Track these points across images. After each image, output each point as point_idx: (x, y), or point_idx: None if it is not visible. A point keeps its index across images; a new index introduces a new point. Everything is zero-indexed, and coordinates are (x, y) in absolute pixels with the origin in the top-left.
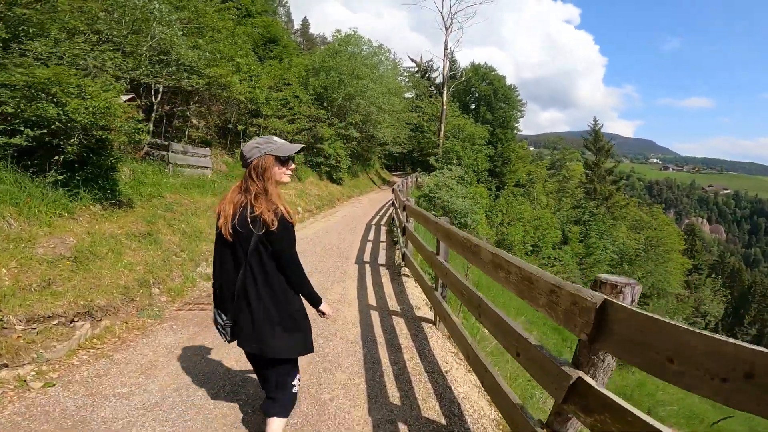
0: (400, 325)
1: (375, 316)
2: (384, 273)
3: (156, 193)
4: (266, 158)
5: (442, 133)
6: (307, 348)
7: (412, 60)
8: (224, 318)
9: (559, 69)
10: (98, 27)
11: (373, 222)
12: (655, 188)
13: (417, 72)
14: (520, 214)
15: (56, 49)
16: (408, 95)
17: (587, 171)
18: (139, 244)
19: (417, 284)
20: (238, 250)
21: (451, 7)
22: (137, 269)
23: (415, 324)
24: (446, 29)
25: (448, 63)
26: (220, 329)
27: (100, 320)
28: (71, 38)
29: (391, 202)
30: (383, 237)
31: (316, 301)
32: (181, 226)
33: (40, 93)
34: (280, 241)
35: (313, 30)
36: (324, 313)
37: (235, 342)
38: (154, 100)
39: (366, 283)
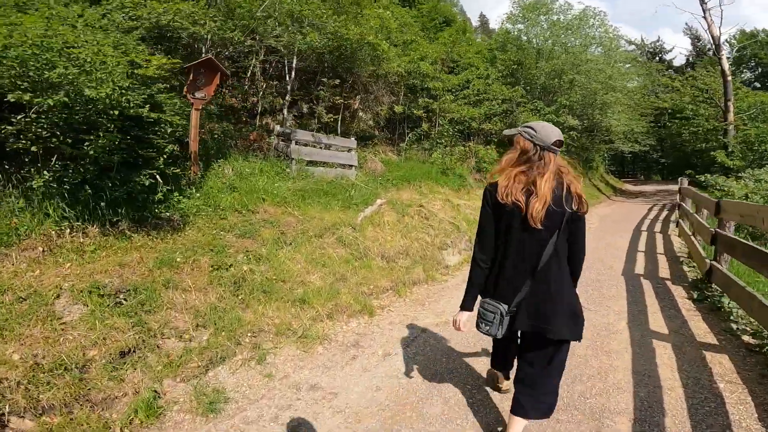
0: None
1: None
2: None
3: (243, 204)
4: None
5: (731, 115)
6: (582, 334)
7: (631, 42)
8: (506, 308)
9: None
10: None
11: (639, 269)
12: None
13: (641, 55)
14: None
15: None
16: (632, 83)
17: None
18: (92, 310)
19: None
20: (542, 233)
21: None
22: None
23: None
24: None
25: (714, 18)
26: (496, 322)
27: None
28: None
29: (644, 225)
30: (699, 332)
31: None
32: (241, 268)
33: None
34: (582, 222)
35: (494, 26)
36: None
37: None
38: (288, 78)
39: None
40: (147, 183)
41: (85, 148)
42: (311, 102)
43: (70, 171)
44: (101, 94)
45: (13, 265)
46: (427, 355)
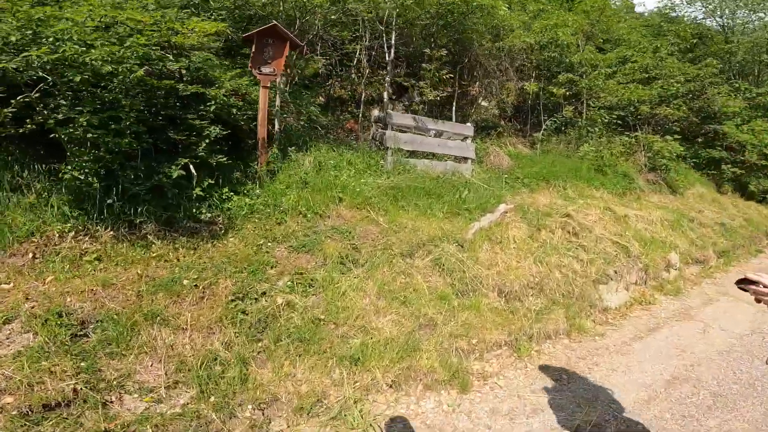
0: None
1: None
2: None
3: (309, 205)
4: None
5: None
6: None
7: None
8: None
9: None
10: None
11: None
12: None
13: None
14: None
15: None
16: None
17: None
18: (39, 344)
19: None
20: None
21: None
22: None
23: None
24: None
25: None
26: None
27: None
28: None
29: None
30: None
31: None
32: (275, 301)
33: None
34: None
35: (639, 9)
36: None
37: None
38: (387, 57)
39: None
40: (175, 175)
41: (76, 129)
42: (418, 80)
43: (84, 160)
44: (53, 55)
45: None
46: None
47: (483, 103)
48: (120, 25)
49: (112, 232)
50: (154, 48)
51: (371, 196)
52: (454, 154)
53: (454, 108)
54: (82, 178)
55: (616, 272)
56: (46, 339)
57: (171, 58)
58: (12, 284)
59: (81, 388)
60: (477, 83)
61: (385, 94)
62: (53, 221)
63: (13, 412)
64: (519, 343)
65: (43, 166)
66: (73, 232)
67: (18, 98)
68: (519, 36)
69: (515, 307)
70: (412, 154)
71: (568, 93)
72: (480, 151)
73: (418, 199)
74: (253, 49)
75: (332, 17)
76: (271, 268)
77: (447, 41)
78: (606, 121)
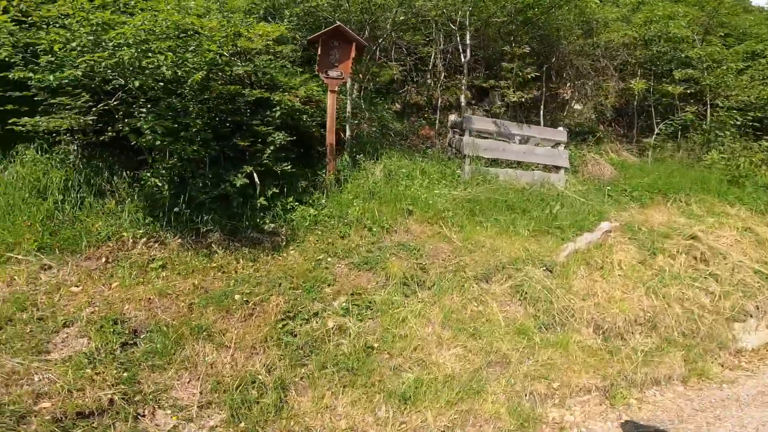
0: None
1: None
2: None
3: (375, 218)
4: None
5: None
6: None
7: None
8: None
9: None
10: None
11: None
12: None
13: None
14: None
15: None
16: None
17: None
18: (90, 350)
19: None
20: None
21: None
22: None
23: None
24: None
25: None
26: None
27: None
28: None
29: None
30: None
31: None
32: (326, 324)
33: None
34: None
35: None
36: None
37: None
38: (463, 59)
39: None
40: (238, 183)
41: (145, 137)
42: (499, 81)
43: (163, 167)
44: (111, 60)
45: (66, 276)
46: None
47: (576, 106)
48: (190, 33)
49: (179, 240)
50: (221, 54)
51: (444, 210)
52: (543, 163)
53: (541, 112)
54: (161, 185)
55: (758, 308)
56: (98, 345)
57: (238, 63)
58: (81, 287)
59: (117, 399)
60: (568, 84)
61: (462, 97)
62: (128, 227)
63: (47, 417)
64: (615, 389)
65: (128, 172)
66: (145, 239)
67: (98, 106)
68: (618, 30)
69: (616, 347)
70: (493, 162)
71: (687, 91)
72: (575, 159)
73: (499, 213)
74: (319, 53)
75: (400, 18)
76: (328, 286)
77: (529, 39)
78: (739, 123)
